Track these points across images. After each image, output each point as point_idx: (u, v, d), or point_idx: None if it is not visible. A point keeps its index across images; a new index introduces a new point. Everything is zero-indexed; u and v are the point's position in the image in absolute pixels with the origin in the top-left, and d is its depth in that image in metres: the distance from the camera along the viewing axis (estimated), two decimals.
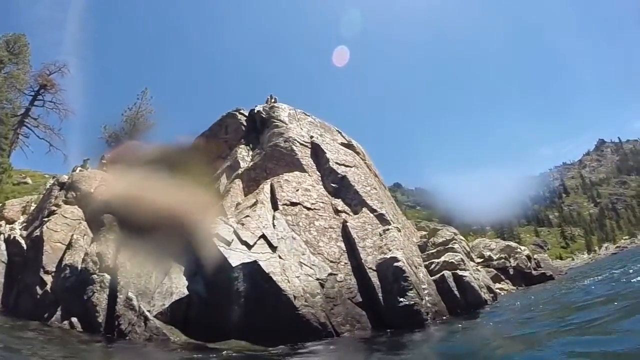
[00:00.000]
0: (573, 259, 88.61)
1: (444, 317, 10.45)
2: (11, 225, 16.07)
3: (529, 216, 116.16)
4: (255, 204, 11.39)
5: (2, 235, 14.97)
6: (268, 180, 12.76)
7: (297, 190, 12.13)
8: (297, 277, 9.48)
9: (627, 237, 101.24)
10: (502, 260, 22.70)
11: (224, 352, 8.02)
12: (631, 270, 12.48)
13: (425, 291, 10.45)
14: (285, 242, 10.30)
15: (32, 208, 16.98)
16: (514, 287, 20.99)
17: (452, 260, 12.62)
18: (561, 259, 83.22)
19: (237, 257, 9.61)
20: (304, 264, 9.92)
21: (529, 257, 25.02)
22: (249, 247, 9.93)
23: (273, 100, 18.34)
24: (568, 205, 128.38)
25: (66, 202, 14.61)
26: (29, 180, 28.45)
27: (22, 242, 14.10)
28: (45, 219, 13.81)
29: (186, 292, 10.07)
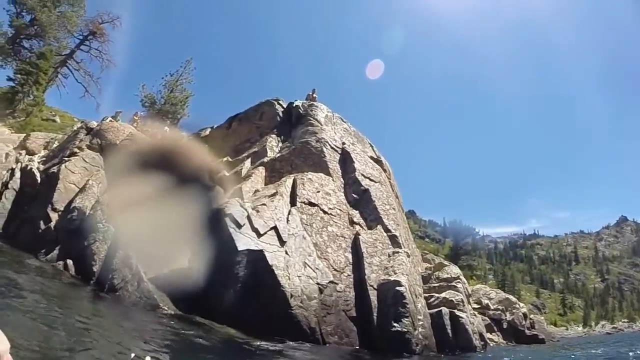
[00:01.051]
0: (567, 329, 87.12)
1: (432, 353, 10.32)
2: (30, 157, 16.28)
3: (533, 275, 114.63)
4: (274, 194, 11.35)
5: (19, 164, 15.18)
6: (292, 175, 12.72)
7: (318, 191, 12.08)
8: (299, 276, 9.43)
9: (626, 319, 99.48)
10: (499, 311, 22.37)
11: (209, 332, 8.00)
12: None
13: (420, 322, 10.31)
14: (295, 240, 10.24)
15: (55, 145, 17.12)
16: (504, 341, 20.69)
17: (453, 299, 12.46)
18: (555, 325, 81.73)
19: (244, 241, 9.57)
20: (308, 266, 9.86)
21: (525, 315, 24.63)
22: (259, 235, 9.87)
23: (314, 95, 18.36)
24: (575, 273, 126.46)
25: (89, 147, 14.76)
26: (57, 119, 28.83)
27: (37, 174, 14.26)
28: (66, 158, 13.98)
29: (186, 263, 10.04)
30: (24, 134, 19.11)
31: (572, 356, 13.25)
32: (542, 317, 39.31)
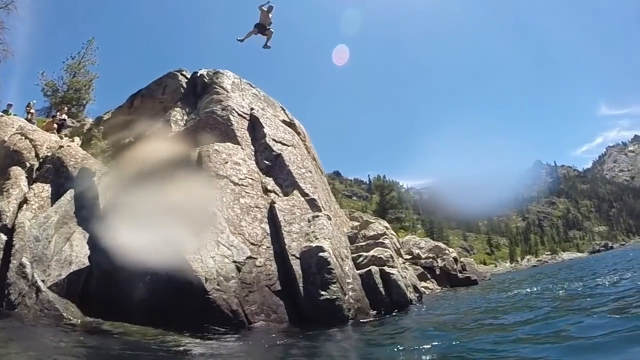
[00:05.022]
0: (496, 266, 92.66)
1: (367, 315, 9.90)
2: None
3: (459, 220, 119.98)
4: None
5: None
6: (197, 148, 11.72)
7: (227, 162, 11.11)
8: (212, 257, 8.56)
9: (548, 252, 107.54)
10: (430, 259, 22.85)
11: (121, 335, 7.06)
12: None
13: (350, 286, 9.83)
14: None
15: None
16: (439, 287, 21.16)
17: (381, 256, 12.15)
18: (485, 264, 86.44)
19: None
20: (222, 244, 8.97)
21: (455, 260, 25.43)
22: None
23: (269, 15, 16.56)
24: (498, 215, 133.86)
25: None
26: None
27: None
28: None
29: (87, 262, 9.06)
30: None
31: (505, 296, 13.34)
32: (472, 259, 40.97)
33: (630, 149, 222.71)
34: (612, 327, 5.02)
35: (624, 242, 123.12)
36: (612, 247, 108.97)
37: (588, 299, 8.61)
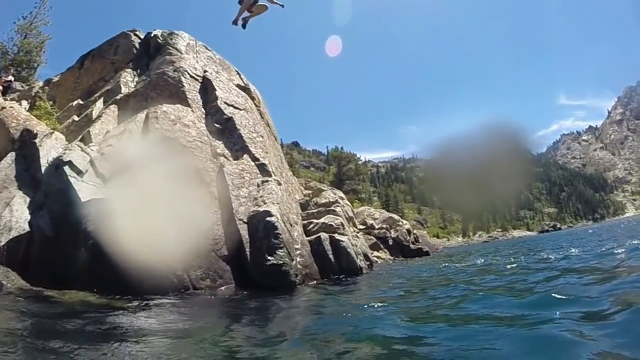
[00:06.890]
0: (449, 239, 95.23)
1: (315, 281, 10.00)
2: None
3: (414, 194, 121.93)
4: (123, 132, 9.99)
5: None
6: (145, 109, 11.29)
7: (175, 124, 10.73)
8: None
9: (499, 229, 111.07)
10: (384, 230, 23.12)
11: (63, 302, 6.78)
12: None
13: (298, 252, 9.84)
14: None
15: None
16: (391, 257, 21.46)
17: (332, 223, 12.18)
18: (438, 237, 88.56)
19: (88, 191, 8.31)
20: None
21: (409, 231, 25.83)
22: (105, 181, 8.69)
23: None
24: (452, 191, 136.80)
25: None
26: None
27: None
28: None
29: (27, 227, 8.73)
30: None
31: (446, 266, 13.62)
32: (425, 232, 41.83)
33: (583, 138, 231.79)
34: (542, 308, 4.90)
35: (571, 225, 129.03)
36: (560, 228, 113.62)
37: (529, 274, 8.69)
